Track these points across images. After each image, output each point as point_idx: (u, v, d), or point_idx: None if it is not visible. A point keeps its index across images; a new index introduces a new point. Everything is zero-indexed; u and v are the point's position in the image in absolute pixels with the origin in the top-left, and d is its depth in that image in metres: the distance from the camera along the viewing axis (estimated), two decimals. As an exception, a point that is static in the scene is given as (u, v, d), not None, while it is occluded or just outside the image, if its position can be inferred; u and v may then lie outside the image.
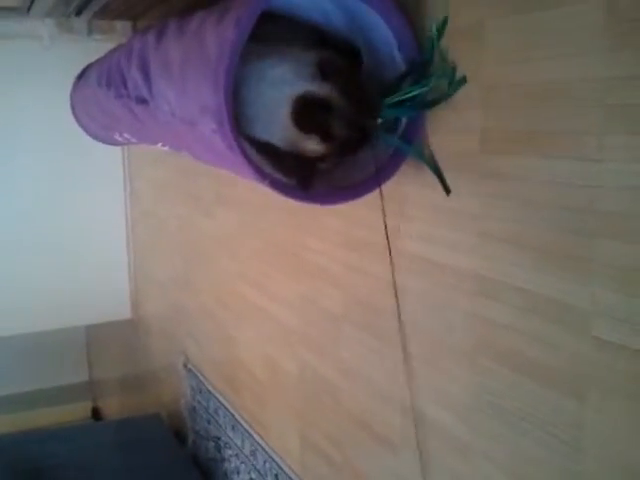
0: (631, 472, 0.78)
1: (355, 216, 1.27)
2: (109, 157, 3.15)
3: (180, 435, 2.53)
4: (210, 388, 2.21)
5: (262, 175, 1.01)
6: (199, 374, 2.33)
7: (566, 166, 0.82)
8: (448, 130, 1.02)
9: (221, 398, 2.12)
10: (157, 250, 2.87)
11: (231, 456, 2.06)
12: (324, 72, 0.97)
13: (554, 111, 0.84)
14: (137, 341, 3.27)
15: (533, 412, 0.90)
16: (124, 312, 3.33)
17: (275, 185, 1.02)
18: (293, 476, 1.64)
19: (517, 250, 0.91)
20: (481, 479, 1.01)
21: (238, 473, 2.01)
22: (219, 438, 2.15)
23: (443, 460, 1.09)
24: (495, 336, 0.96)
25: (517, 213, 0.90)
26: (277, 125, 1.02)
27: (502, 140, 0.92)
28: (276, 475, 1.73)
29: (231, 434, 2.04)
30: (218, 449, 2.17)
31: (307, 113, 0.98)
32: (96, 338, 4.85)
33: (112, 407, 4.46)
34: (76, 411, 4.88)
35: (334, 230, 1.36)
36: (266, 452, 1.79)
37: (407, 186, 1.11)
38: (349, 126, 0.98)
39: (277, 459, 1.73)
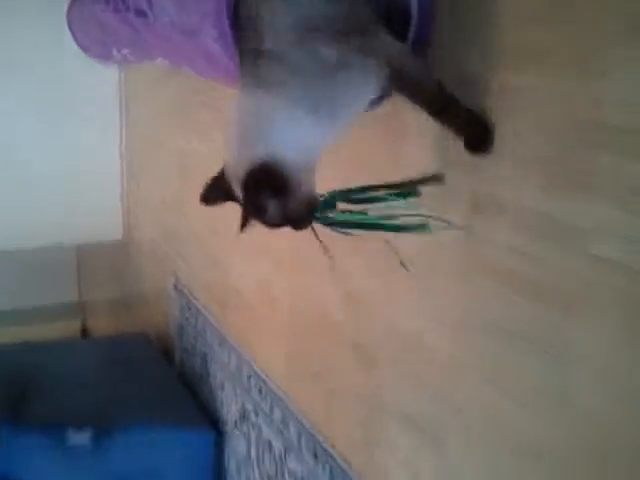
0: (613, 384, 0.82)
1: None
2: (105, 80, 3.13)
3: (168, 354, 2.61)
4: (199, 307, 2.27)
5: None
6: (189, 294, 2.38)
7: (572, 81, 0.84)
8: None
9: (210, 316, 2.18)
10: (152, 173, 2.88)
11: (216, 371, 2.13)
12: None
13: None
14: (128, 263, 3.31)
15: (521, 328, 0.95)
16: (116, 233, 3.37)
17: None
18: (276, 389, 1.72)
19: (518, 166, 0.93)
20: (467, 394, 1.07)
21: (223, 388, 2.09)
22: (206, 354, 2.22)
23: (428, 377, 1.15)
24: (490, 254, 0.99)
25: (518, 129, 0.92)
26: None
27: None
28: (260, 389, 1.81)
29: (218, 350, 2.11)
30: (205, 365, 2.24)
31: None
32: (87, 259, 4.89)
33: (101, 327, 4.54)
34: (65, 330, 4.96)
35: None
36: (252, 367, 1.85)
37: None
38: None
39: (261, 374, 1.80)
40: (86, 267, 5.04)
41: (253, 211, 0.85)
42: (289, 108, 0.84)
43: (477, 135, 0.97)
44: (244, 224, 0.86)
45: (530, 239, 0.92)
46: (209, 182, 0.93)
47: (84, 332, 5.00)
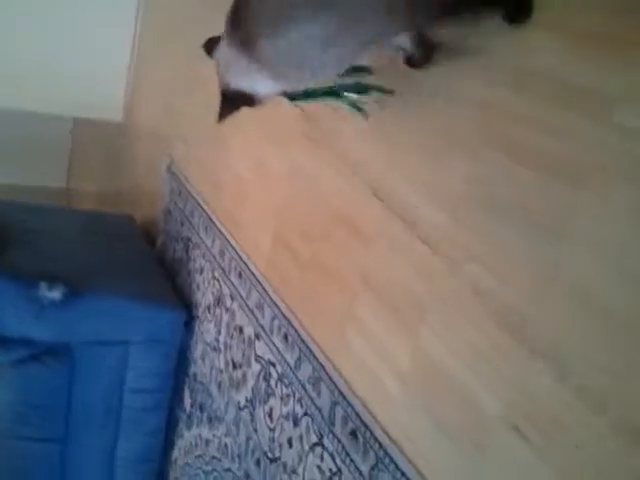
0: (614, 255, 0.79)
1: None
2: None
3: (150, 237, 2.56)
4: (190, 189, 2.21)
5: None
6: (182, 176, 2.32)
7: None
8: None
9: (199, 199, 2.12)
10: (161, 55, 2.78)
11: (197, 256, 2.09)
12: None
13: None
14: (123, 146, 3.23)
15: (525, 201, 0.91)
16: (115, 114, 3.27)
17: None
18: (256, 273, 1.68)
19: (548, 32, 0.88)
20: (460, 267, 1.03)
21: (201, 272, 2.05)
22: (189, 239, 2.18)
23: (421, 252, 1.11)
24: (503, 126, 0.95)
25: None
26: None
27: None
28: (239, 273, 1.77)
29: (203, 235, 2.06)
30: (186, 250, 2.20)
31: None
32: (81, 142, 4.78)
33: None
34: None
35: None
36: (235, 250, 1.81)
37: None
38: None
39: (244, 257, 1.76)
40: (79, 154, 4.95)
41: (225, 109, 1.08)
42: (257, 72, 1.03)
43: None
44: (222, 116, 1.08)
45: (553, 110, 0.87)
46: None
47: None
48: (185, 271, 2.20)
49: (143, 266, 2.28)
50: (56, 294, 1.83)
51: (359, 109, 1.17)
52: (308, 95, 1.14)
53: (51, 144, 4.93)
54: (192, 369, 2.06)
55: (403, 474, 1.08)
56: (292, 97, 1.14)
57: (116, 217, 2.71)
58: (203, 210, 2.08)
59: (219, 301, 1.90)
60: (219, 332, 1.88)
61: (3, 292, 1.80)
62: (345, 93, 1.16)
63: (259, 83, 1.04)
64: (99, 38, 3.09)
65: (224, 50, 1.05)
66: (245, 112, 1.06)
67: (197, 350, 2.03)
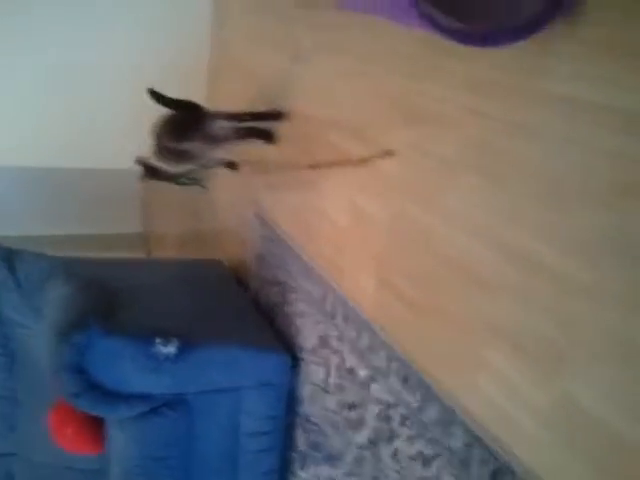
0: None
1: (483, 58, 1.27)
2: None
3: (241, 282, 2.64)
4: (283, 236, 2.29)
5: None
6: (272, 222, 2.40)
7: None
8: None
9: (294, 246, 2.19)
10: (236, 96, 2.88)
11: (296, 300, 2.16)
12: None
13: None
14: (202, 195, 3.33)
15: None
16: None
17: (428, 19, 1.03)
18: (363, 316, 1.73)
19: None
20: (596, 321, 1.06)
21: (302, 315, 2.11)
22: (286, 283, 2.24)
23: (550, 300, 1.14)
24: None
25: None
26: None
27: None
28: (346, 316, 1.82)
29: (301, 280, 2.12)
30: (283, 294, 2.27)
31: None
32: (153, 189, 4.91)
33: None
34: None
35: (455, 74, 1.36)
36: (338, 295, 1.87)
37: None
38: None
39: (349, 302, 1.81)
40: (152, 198, 5.11)
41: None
42: None
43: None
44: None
45: None
46: None
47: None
48: (283, 315, 2.26)
49: (242, 312, 2.35)
50: (171, 349, 1.91)
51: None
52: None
53: (122, 195, 5.10)
54: (302, 409, 2.12)
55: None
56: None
57: (206, 263, 2.80)
58: (299, 256, 2.14)
59: (325, 344, 1.95)
60: (328, 374, 1.93)
61: (123, 351, 1.90)
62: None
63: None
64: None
65: None
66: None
67: (305, 391, 2.09)
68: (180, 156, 2.34)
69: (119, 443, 1.99)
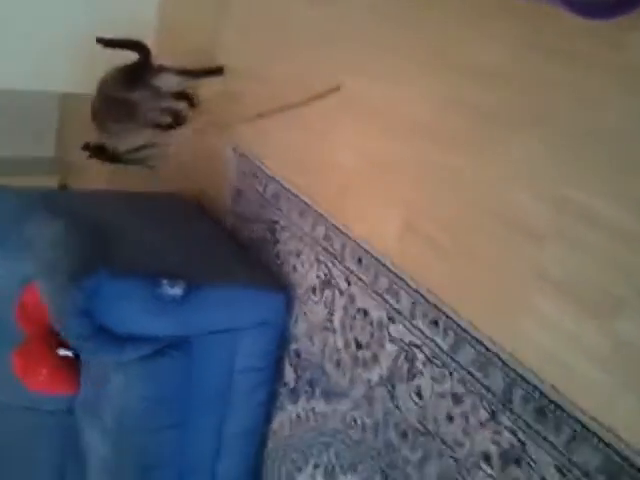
0: None
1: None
2: None
3: (210, 218, 2.60)
4: (271, 174, 2.27)
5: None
6: (256, 160, 2.36)
7: None
8: None
9: (287, 184, 2.18)
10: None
11: (289, 239, 2.17)
12: None
13: None
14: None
15: None
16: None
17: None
18: (383, 259, 1.78)
19: None
20: None
21: (298, 254, 2.13)
22: (275, 222, 2.25)
23: (607, 250, 1.24)
24: None
25: None
26: None
27: None
28: (358, 258, 1.87)
29: (296, 219, 2.13)
30: (271, 232, 2.27)
31: None
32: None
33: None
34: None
35: (505, 33, 1.40)
36: (348, 237, 1.90)
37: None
38: None
39: (364, 244, 1.85)
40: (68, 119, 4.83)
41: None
42: None
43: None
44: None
45: None
46: None
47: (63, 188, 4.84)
48: (271, 253, 2.27)
49: (228, 249, 2.34)
50: (177, 290, 1.89)
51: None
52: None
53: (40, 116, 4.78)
54: (293, 346, 2.17)
55: (607, 444, 1.24)
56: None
57: (171, 197, 2.73)
58: (294, 195, 2.14)
59: (328, 284, 1.99)
60: (331, 313, 1.99)
61: (130, 293, 1.86)
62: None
63: None
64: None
65: None
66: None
67: (298, 329, 2.14)
68: (127, 112, 2.46)
69: (118, 385, 1.96)
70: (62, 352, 2.23)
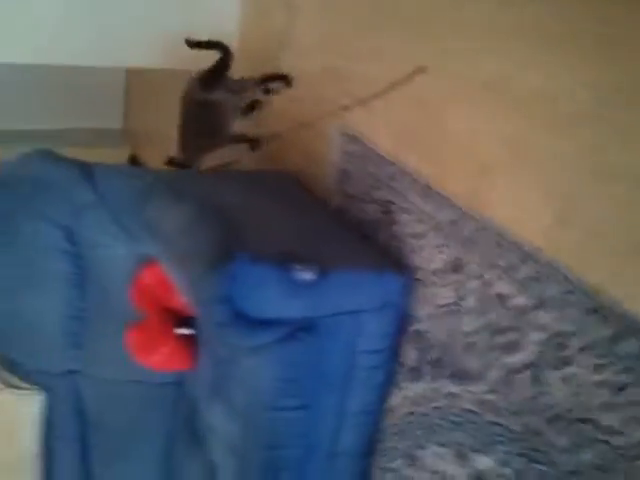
0: None
1: None
2: None
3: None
4: (384, 154, 2.25)
5: None
6: (366, 140, 2.34)
7: None
8: None
9: (405, 166, 2.16)
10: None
11: (410, 221, 2.15)
12: None
13: None
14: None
15: None
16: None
17: None
18: (530, 249, 1.75)
19: None
20: None
21: (419, 237, 2.12)
22: (392, 202, 2.23)
23: None
24: None
25: None
26: None
27: None
28: (497, 243, 1.85)
29: (417, 201, 2.11)
30: (387, 213, 2.25)
31: None
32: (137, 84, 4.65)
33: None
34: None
35: None
36: (482, 223, 1.88)
37: None
38: None
39: (505, 232, 1.82)
40: (136, 94, 4.83)
41: None
42: None
43: None
44: None
45: None
46: None
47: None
48: (386, 234, 2.26)
49: (343, 230, 2.33)
50: (311, 275, 1.89)
51: None
52: None
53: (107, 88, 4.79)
54: (414, 328, 2.17)
55: None
56: None
57: (281, 176, 2.72)
58: (414, 176, 2.12)
59: (458, 268, 1.98)
60: (461, 297, 1.98)
61: (266, 278, 1.86)
62: None
63: None
64: None
65: None
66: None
67: (422, 311, 2.13)
68: (209, 116, 2.61)
69: (250, 368, 1.98)
70: (181, 331, 2.28)
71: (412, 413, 2.21)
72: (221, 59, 2.58)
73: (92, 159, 4.69)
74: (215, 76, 2.59)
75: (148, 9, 2.99)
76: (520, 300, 1.78)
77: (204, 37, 2.59)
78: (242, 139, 2.87)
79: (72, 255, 2.32)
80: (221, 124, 2.66)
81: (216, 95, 2.60)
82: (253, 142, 2.90)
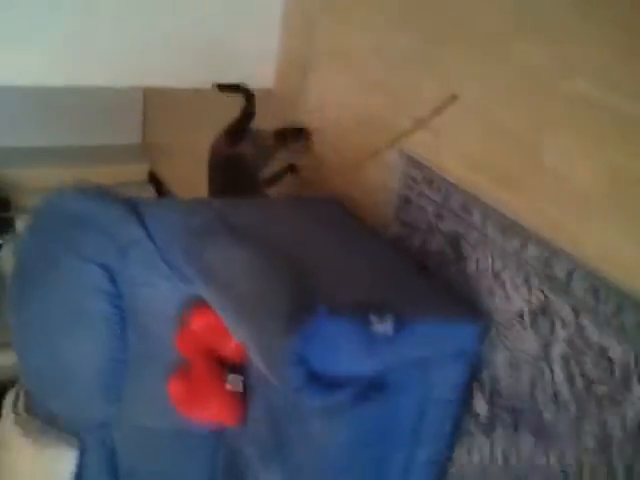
0: None
1: None
2: None
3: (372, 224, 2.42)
4: (454, 182, 2.06)
5: None
6: (432, 166, 2.16)
7: None
8: None
9: (480, 195, 1.97)
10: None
11: (484, 257, 1.97)
12: None
13: None
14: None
15: None
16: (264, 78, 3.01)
17: None
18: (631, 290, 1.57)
19: None
20: None
21: (496, 276, 1.93)
22: (461, 235, 2.04)
23: None
24: None
25: None
26: None
27: None
28: (594, 289, 1.66)
29: (495, 235, 1.92)
30: (454, 246, 2.07)
31: None
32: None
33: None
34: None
35: None
36: (574, 262, 1.69)
37: None
38: None
39: (599, 273, 1.64)
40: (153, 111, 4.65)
41: None
42: None
43: None
44: None
45: None
46: None
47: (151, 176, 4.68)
48: (454, 269, 2.08)
49: (406, 266, 2.15)
50: (388, 328, 1.71)
51: None
52: None
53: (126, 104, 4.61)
54: (487, 375, 1.99)
55: None
56: None
57: (324, 201, 2.54)
58: (491, 208, 1.94)
59: (544, 311, 1.80)
60: (546, 344, 1.80)
61: (341, 332, 1.68)
62: None
63: None
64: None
65: None
66: None
67: (498, 357, 1.95)
68: (236, 171, 2.58)
69: (319, 429, 1.80)
70: (230, 385, 2.11)
71: (483, 467, 2.04)
72: (245, 108, 2.59)
73: (114, 175, 4.55)
74: (240, 129, 2.60)
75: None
76: (622, 352, 1.60)
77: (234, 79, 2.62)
78: (277, 178, 2.84)
79: (113, 295, 2.15)
80: (251, 174, 2.63)
81: (242, 148, 2.58)
82: (292, 168, 2.86)
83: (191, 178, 3.69)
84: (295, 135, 2.75)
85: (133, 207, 2.06)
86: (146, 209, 2.06)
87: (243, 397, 2.13)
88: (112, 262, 2.07)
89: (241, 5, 2.82)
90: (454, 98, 1.98)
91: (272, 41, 2.93)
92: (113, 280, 2.12)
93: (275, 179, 2.83)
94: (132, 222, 2.02)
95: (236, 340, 1.88)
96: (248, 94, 2.59)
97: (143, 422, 2.33)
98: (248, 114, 2.60)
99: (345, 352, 1.69)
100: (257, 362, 1.71)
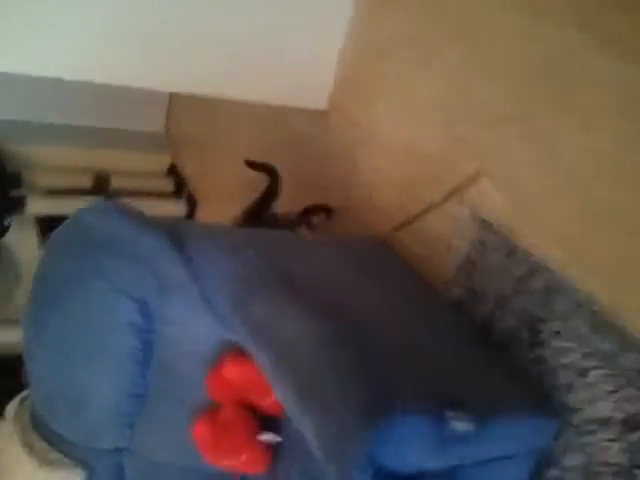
0: None
1: None
2: None
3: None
4: (542, 261, 1.86)
5: None
6: (510, 234, 1.95)
7: None
8: None
9: (571, 282, 1.77)
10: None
11: (568, 350, 1.77)
12: None
13: None
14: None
15: None
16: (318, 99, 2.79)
17: None
18: None
19: None
20: None
21: (581, 374, 1.74)
22: (540, 320, 1.84)
23: None
24: None
25: None
26: None
27: None
28: None
29: (585, 331, 1.73)
30: (532, 330, 1.87)
31: None
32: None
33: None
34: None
35: None
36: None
37: None
38: None
39: None
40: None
41: None
42: None
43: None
44: None
45: None
46: None
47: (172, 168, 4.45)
48: (526, 352, 1.88)
49: (466, 338, 1.95)
50: (467, 426, 1.51)
51: None
52: None
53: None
54: (554, 474, 1.80)
55: None
56: None
57: (372, 244, 2.33)
58: (583, 298, 1.73)
59: (636, 425, 1.60)
60: (634, 463, 1.60)
61: (416, 431, 1.47)
62: None
63: None
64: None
65: None
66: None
67: (570, 460, 1.76)
68: None
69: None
70: (264, 438, 1.92)
71: None
72: (268, 188, 2.63)
73: (132, 163, 4.32)
74: (260, 210, 2.61)
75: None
76: None
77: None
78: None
79: (144, 331, 1.94)
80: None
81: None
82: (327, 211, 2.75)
83: (215, 178, 3.48)
84: (318, 213, 2.71)
85: (176, 238, 1.84)
86: (190, 242, 1.85)
87: (273, 448, 1.93)
88: (150, 299, 1.86)
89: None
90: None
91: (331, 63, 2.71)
92: (147, 315, 1.91)
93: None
94: (176, 260, 1.81)
95: (278, 400, 1.68)
96: (274, 174, 2.65)
97: (157, 456, 2.14)
98: (270, 194, 2.64)
99: (418, 449, 1.49)
100: (311, 442, 1.51)
